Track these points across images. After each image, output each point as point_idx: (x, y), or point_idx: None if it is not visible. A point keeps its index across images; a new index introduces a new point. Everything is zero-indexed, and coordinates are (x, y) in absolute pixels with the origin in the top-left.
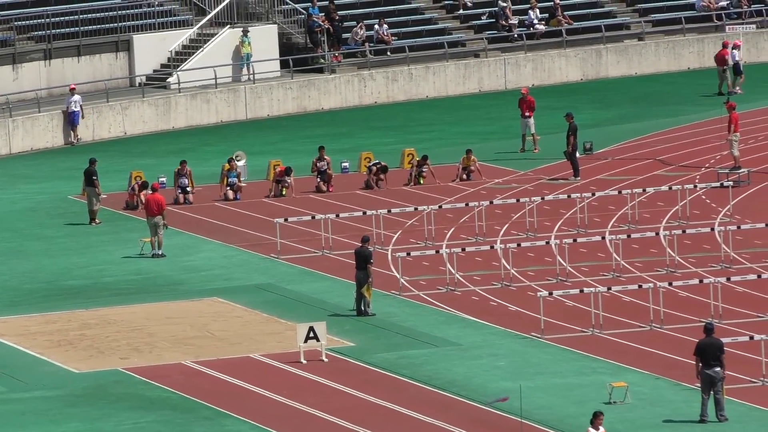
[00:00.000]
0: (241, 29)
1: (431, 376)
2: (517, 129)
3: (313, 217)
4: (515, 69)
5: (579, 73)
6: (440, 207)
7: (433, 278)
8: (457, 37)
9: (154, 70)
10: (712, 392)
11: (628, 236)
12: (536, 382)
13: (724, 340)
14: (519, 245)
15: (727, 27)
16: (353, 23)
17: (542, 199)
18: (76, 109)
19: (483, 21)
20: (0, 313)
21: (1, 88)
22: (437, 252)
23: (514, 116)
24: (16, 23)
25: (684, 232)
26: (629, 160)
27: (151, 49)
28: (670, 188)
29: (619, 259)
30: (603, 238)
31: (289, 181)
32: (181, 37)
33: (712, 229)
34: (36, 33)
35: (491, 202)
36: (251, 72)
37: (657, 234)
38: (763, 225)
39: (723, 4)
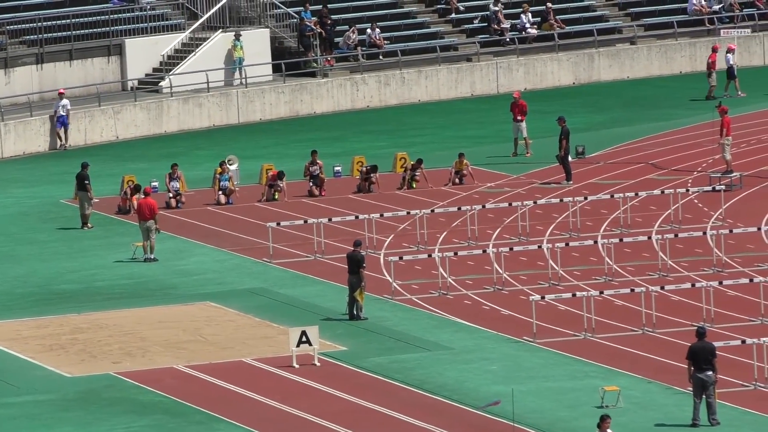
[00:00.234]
0: (234, 33)
1: (423, 380)
2: (509, 133)
3: (306, 221)
4: (507, 73)
5: (571, 77)
6: (432, 211)
7: (425, 282)
8: (450, 41)
9: (146, 74)
10: (704, 396)
11: (621, 240)
12: (528, 386)
13: (716, 344)
14: (511, 249)
15: (721, 31)
16: (345, 27)
17: (535, 203)
18: (63, 114)
19: (475, 25)
20: None
21: None
22: (429, 256)
23: (507, 120)
24: (8, 27)
25: (676, 236)
26: (621, 164)
27: (144, 53)
28: (663, 192)
29: (611, 263)
30: (595, 242)
31: (281, 185)
32: (173, 41)
33: (705, 233)
34: (28, 37)
35: (484, 206)
36: (243, 76)
37: (649, 238)
38: (755, 229)
39: (715, 8)
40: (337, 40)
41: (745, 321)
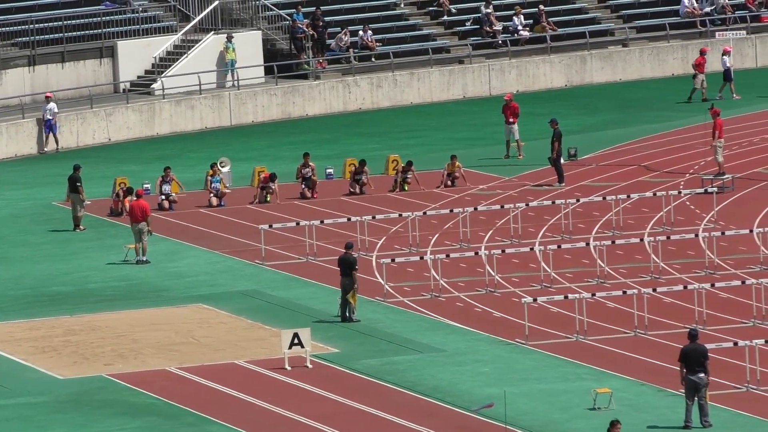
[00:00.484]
0: (226, 35)
1: (416, 382)
2: (501, 135)
3: (298, 224)
4: (500, 75)
5: (563, 80)
6: (425, 213)
7: (417, 284)
8: (442, 44)
9: (139, 77)
10: (696, 398)
11: (613, 242)
12: (521, 388)
13: (709, 346)
14: (503, 251)
15: (716, 33)
16: (338, 29)
17: (527, 205)
18: (50, 117)
19: (467, 27)
20: None
21: None
22: (422, 258)
23: (499, 122)
24: None
25: (668, 238)
26: (614, 166)
27: (136, 55)
28: (655, 194)
29: (603, 265)
30: (587, 244)
31: (273, 187)
32: (165, 43)
33: (697, 236)
34: (20, 39)
35: (476, 209)
36: (236, 78)
37: (641, 240)
38: (747, 231)
39: (707, 10)
40: (329, 42)
41: (738, 323)
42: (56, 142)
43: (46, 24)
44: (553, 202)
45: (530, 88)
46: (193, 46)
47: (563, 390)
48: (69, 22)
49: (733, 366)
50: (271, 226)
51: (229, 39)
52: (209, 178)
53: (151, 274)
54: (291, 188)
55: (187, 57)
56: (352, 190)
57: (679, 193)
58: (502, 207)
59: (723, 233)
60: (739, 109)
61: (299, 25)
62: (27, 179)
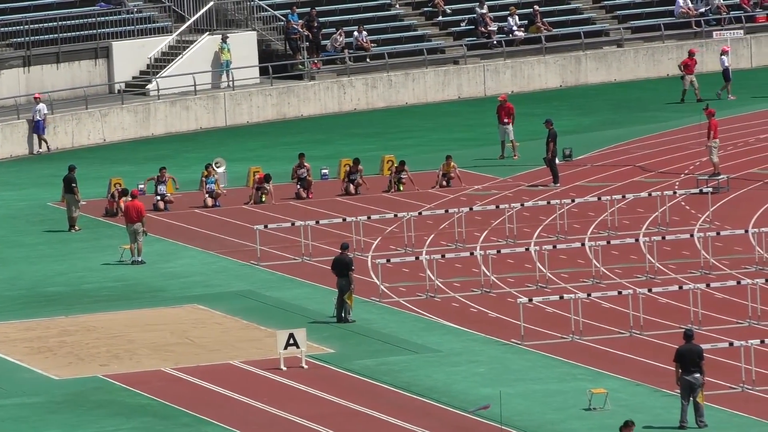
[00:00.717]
0: (221, 36)
1: (411, 382)
2: (496, 136)
3: (293, 224)
4: (494, 76)
5: (558, 80)
6: (420, 213)
7: (412, 285)
8: (437, 44)
9: (134, 77)
10: (691, 398)
11: (608, 243)
12: (516, 389)
13: (704, 346)
14: (499, 252)
15: (714, 33)
16: (333, 30)
17: (522, 205)
18: (40, 119)
19: (462, 28)
20: None
21: None
22: (417, 258)
23: (494, 123)
24: None
25: (663, 238)
26: (609, 166)
27: (131, 55)
28: (650, 194)
29: (598, 265)
30: (583, 244)
31: (268, 188)
32: (160, 43)
33: (692, 236)
34: (15, 40)
35: (471, 209)
36: (231, 79)
37: (637, 240)
38: (742, 231)
39: (702, 10)
40: (324, 42)
41: (733, 323)
42: (42, 143)
43: (41, 24)
44: (549, 203)
45: (525, 88)
46: (188, 47)
47: (559, 390)
48: (64, 22)
49: (729, 366)
50: (266, 227)
51: (224, 40)
52: (204, 179)
53: (146, 275)
54: (286, 188)
55: (182, 57)
56: (346, 189)
57: (675, 193)
58: (497, 207)
59: (718, 233)
60: (734, 109)
61: (294, 25)
62: (22, 180)
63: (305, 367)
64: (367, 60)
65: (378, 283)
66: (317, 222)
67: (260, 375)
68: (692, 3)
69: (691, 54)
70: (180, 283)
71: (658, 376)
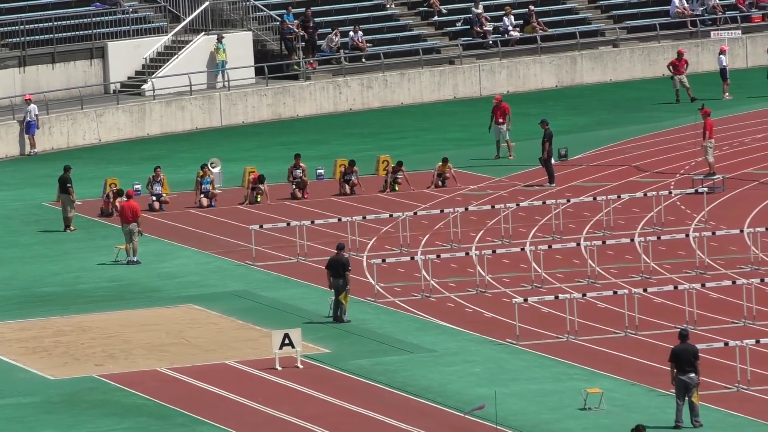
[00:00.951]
0: (216, 36)
1: (406, 382)
2: (492, 136)
3: (289, 224)
4: (490, 76)
5: (554, 80)
6: (415, 213)
7: (408, 285)
8: (432, 44)
9: (129, 77)
10: (687, 398)
11: (603, 242)
12: (511, 389)
13: (699, 346)
14: (494, 252)
15: (712, 33)
16: (328, 30)
17: (517, 205)
18: (31, 119)
19: (458, 28)
20: None
21: None
22: (412, 258)
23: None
24: None
25: (659, 238)
26: (604, 166)
27: (126, 56)
28: (645, 194)
29: (594, 265)
30: (578, 244)
31: (263, 188)
32: (155, 44)
33: (687, 236)
34: (10, 40)
35: (466, 209)
36: (226, 79)
37: (632, 240)
38: (737, 231)
39: (698, 10)
40: (319, 42)
41: (728, 323)
42: (32, 144)
43: (36, 25)
44: (544, 203)
45: (521, 88)
46: (183, 47)
47: (554, 390)
48: (59, 23)
49: (724, 366)
50: (261, 227)
51: (220, 40)
52: (199, 179)
53: (141, 275)
54: (282, 188)
55: (177, 58)
56: (342, 190)
57: (670, 193)
58: (492, 207)
59: (713, 233)
60: (729, 109)
61: (290, 25)
62: (17, 180)
63: (300, 367)
64: (363, 60)
65: (373, 283)
66: (312, 222)
67: (256, 375)
68: (688, 3)
69: (679, 54)
70: (175, 283)
71: (653, 376)
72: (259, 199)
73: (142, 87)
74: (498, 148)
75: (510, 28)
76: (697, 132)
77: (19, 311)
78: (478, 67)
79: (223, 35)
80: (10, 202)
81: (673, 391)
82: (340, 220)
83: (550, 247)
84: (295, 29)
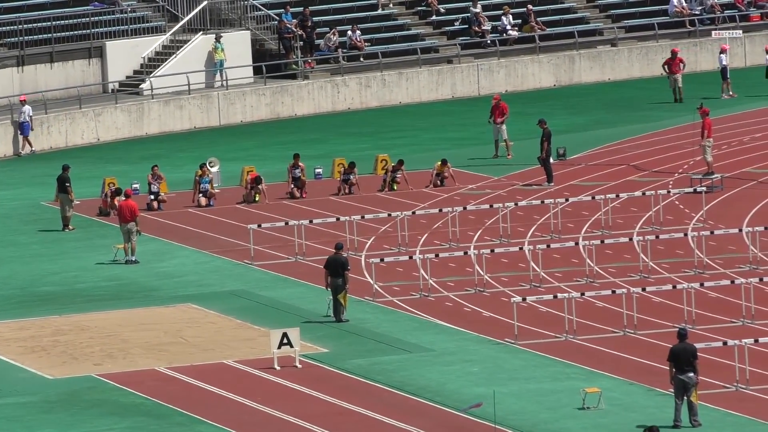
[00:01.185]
0: (214, 35)
1: (405, 381)
2: (490, 135)
3: (287, 223)
4: (488, 75)
5: (552, 79)
6: (414, 213)
7: (406, 284)
8: (430, 44)
9: (127, 77)
10: (685, 397)
11: (602, 242)
12: (510, 388)
13: (698, 345)
14: (492, 251)
15: (713, 33)
16: (326, 29)
17: (516, 204)
18: (25, 120)
19: (456, 27)
20: None
21: None
22: (411, 258)
23: (487, 122)
24: None
25: (657, 237)
26: (603, 165)
27: (124, 55)
28: (644, 194)
29: (592, 264)
30: (576, 243)
31: (261, 187)
32: (154, 43)
33: (686, 235)
34: (9, 39)
35: (465, 208)
36: (224, 78)
37: (630, 239)
38: (736, 230)
39: (696, 10)
40: (317, 42)
41: (727, 322)
42: (23, 145)
43: (34, 24)
44: (542, 202)
45: (519, 87)
46: (181, 47)
47: (552, 389)
48: (57, 22)
49: (723, 365)
50: (259, 226)
51: (218, 39)
52: (198, 178)
53: (140, 274)
54: (280, 188)
55: (175, 57)
56: (342, 190)
57: (668, 192)
58: (491, 206)
59: (712, 233)
60: (728, 108)
61: (288, 25)
62: (15, 179)
63: (299, 366)
64: (361, 59)
65: (372, 282)
66: (311, 221)
67: (254, 374)
68: (686, 2)
69: (673, 54)
70: (174, 282)
71: (651, 375)
72: (257, 199)
73: (141, 86)
74: (496, 148)
75: (508, 27)
76: (696, 131)
77: (18, 310)
78: (477, 67)
79: (222, 35)
80: (8, 201)
81: (672, 390)
82: (338, 219)
83: (548, 246)
84: (293, 28)
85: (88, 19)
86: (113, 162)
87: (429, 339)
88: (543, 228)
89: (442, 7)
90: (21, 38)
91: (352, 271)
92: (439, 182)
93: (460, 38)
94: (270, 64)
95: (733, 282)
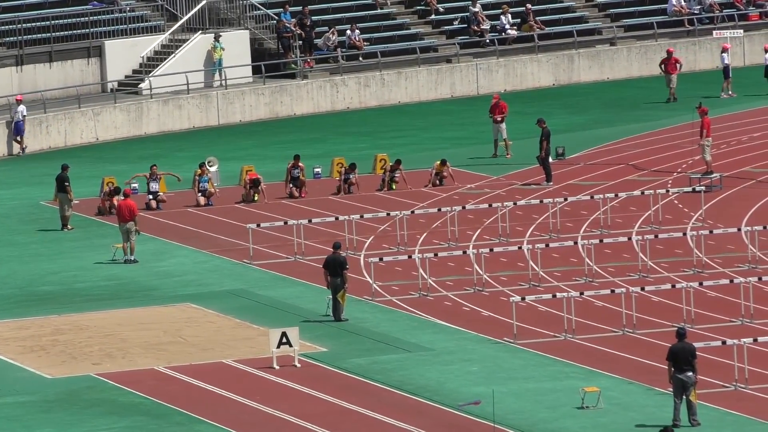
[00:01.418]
0: (213, 35)
1: (404, 381)
2: (489, 134)
3: (286, 223)
4: (487, 74)
5: (551, 79)
6: (413, 212)
7: (405, 283)
8: (429, 43)
9: (126, 76)
10: (684, 397)
11: (601, 241)
12: (509, 387)
13: (697, 344)
14: (491, 250)
15: (714, 32)
16: (325, 29)
17: (515, 204)
18: (20, 120)
19: (455, 26)
20: None
21: None
22: (410, 257)
23: (487, 121)
24: None
25: (656, 236)
26: (601, 165)
27: (123, 54)
28: (643, 193)
29: (591, 263)
30: (575, 243)
31: (260, 188)
32: (152, 42)
33: (685, 234)
34: (7, 39)
35: (464, 207)
36: (223, 77)
37: (629, 239)
38: (735, 230)
39: (695, 9)
40: (316, 41)
41: (726, 322)
42: (21, 144)
43: (33, 24)
44: (541, 201)
45: (518, 87)
46: (180, 46)
47: (551, 389)
48: (56, 21)
49: (722, 365)
50: (258, 226)
51: (217, 38)
52: (197, 177)
53: (139, 274)
54: (279, 188)
55: (174, 56)
56: (339, 189)
57: (667, 191)
58: (490, 206)
59: (711, 232)
60: (727, 107)
61: (286, 24)
62: (14, 179)
63: (298, 365)
64: (360, 59)
65: (371, 281)
66: (310, 221)
67: (253, 374)
68: (685, 1)
69: (668, 54)
70: (173, 281)
71: (651, 375)
72: (256, 198)
73: (140, 86)
74: (496, 147)
75: (507, 26)
76: (695, 130)
77: (17, 310)
78: (476, 66)
79: (220, 34)
80: (7, 200)
81: (671, 389)
82: (337, 218)
83: (547, 245)
84: (292, 28)
85: (86, 18)
86: (112, 161)
87: (428, 338)
88: (542, 227)
89: (441, 7)
90: (20, 38)
91: (351, 270)
92: (438, 182)
93: (459, 37)
94: (269, 63)
95: (732, 281)
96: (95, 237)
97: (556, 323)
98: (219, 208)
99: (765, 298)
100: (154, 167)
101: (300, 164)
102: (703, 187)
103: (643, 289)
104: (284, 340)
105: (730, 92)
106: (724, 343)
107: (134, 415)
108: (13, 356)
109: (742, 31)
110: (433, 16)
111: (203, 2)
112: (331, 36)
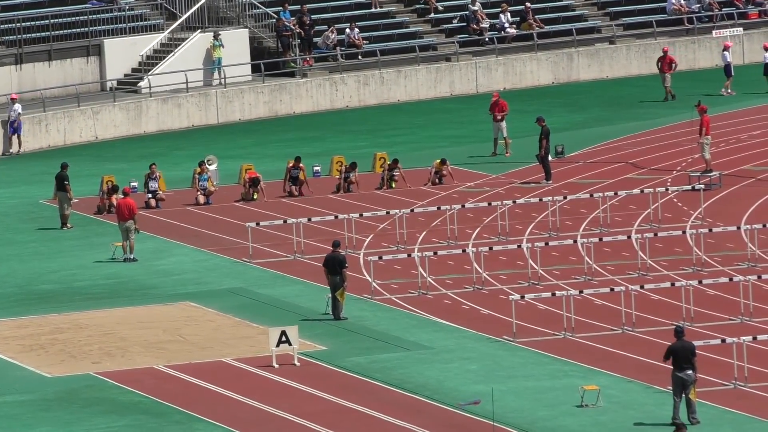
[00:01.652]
0: (213, 33)
1: (403, 379)
2: (488, 132)
3: (285, 221)
4: (486, 73)
5: (550, 77)
6: (412, 210)
7: (405, 282)
8: (429, 41)
9: (125, 75)
10: (684, 395)
11: (600, 239)
12: (508, 386)
13: (696, 343)
14: (491, 249)
15: (714, 31)
16: (324, 27)
17: (514, 202)
18: (15, 119)
19: (454, 25)
20: None
21: None
22: (409, 255)
23: (486, 120)
24: None
25: (656, 235)
26: (601, 163)
27: (122, 53)
28: (642, 191)
29: (591, 262)
30: (575, 241)
31: (259, 187)
32: (152, 41)
33: (684, 232)
34: (7, 37)
35: (463, 206)
36: (222, 76)
37: (629, 237)
38: (734, 228)
39: (694, 7)
40: (316, 40)
41: (725, 320)
42: (19, 144)
43: (32, 22)
44: (541, 200)
45: (517, 85)
46: (179, 45)
47: (551, 387)
48: (56, 20)
49: (721, 363)
50: (258, 224)
51: (216, 37)
52: (197, 176)
53: (138, 272)
54: (278, 186)
55: (173, 55)
56: (338, 187)
57: (667, 190)
58: (489, 204)
59: (710, 230)
60: (726, 105)
61: (286, 23)
62: (13, 177)
63: (297, 364)
64: (359, 57)
65: (370, 280)
66: (309, 219)
67: (252, 372)
68: (684, 0)
69: (663, 53)
70: (172, 280)
71: (650, 373)
72: (255, 197)
73: (139, 84)
74: (495, 145)
75: (506, 25)
76: (694, 129)
77: (16, 309)
78: (475, 64)
79: (220, 33)
80: (6, 199)
81: (670, 388)
82: (336, 217)
83: (546, 244)
84: (292, 26)
85: (86, 17)
86: (111, 160)
87: (427, 337)
88: (541, 226)
89: (440, 5)
90: (19, 36)
91: (351, 269)
92: (437, 180)
93: (459, 36)
94: (268, 62)
95: (731, 279)
96: (94, 236)
97: (556, 321)
98: (218, 207)
99: (764, 297)
100: (153, 166)
101: (301, 165)
102: (702, 186)
103: (642, 287)
104: (284, 338)
105: (729, 90)
106: (723, 341)
107: (134, 413)
108: (13, 355)
109: (741, 29)
110: (432, 15)
111: (202, 1)
112: (330, 34)
